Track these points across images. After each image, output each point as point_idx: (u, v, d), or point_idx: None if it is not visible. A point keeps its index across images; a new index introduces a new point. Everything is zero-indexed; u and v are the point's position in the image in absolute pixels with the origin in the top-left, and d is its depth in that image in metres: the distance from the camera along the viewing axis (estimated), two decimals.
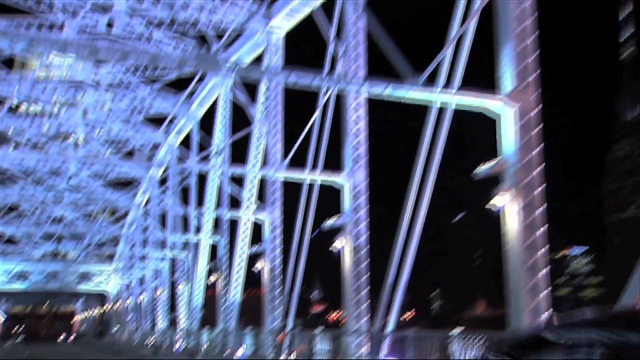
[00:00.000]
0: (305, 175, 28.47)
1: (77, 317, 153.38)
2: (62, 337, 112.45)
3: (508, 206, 15.81)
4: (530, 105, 16.18)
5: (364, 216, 26.32)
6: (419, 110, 17.26)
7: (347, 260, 26.20)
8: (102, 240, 74.75)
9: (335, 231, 26.54)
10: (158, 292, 63.24)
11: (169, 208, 50.72)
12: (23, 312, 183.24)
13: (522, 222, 15.74)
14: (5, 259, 77.24)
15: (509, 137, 16.11)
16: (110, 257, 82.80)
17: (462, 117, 17.40)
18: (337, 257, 26.65)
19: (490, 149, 16.16)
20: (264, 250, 33.96)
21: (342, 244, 26.43)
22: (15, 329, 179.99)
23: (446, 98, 16.91)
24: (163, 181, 52.56)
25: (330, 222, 26.41)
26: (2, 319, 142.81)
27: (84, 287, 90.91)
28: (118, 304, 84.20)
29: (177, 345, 40.33)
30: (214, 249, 44.44)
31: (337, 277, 27.39)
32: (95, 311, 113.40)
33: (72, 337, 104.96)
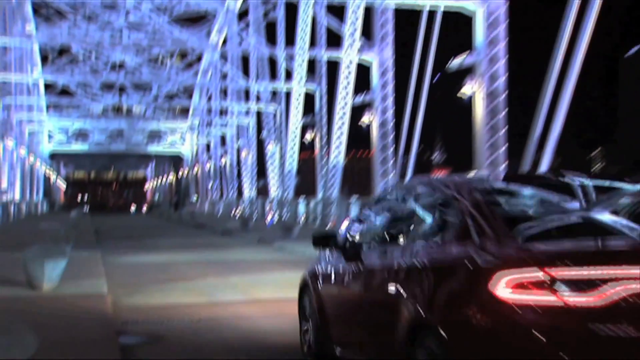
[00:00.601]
0: (423, 1, 27.89)
1: (149, 185, 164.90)
2: (132, 209, 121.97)
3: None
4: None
5: (502, 51, 25.80)
6: None
7: (479, 110, 26.03)
8: (173, 92, 77.67)
9: (464, 73, 26.39)
10: (243, 154, 66.20)
11: (252, 49, 51.78)
12: (86, 179, 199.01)
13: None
14: (60, 114, 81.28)
15: (479, 34, 25.23)
16: (184, 112, 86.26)
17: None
18: (466, 107, 26.51)
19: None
20: (372, 100, 34.28)
21: (473, 90, 26.10)
22: (78, 198, 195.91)
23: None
24: (243, 14, 52.95)
25: (457, 62, 26.42)
26: (63, 186, 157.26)
27: (154, 148, 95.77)
28: (196, 168, 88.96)
29: (268, 218, 42.29)
30: (309, 99, 45.21)
31: (466, 133, 27.42)
32: (170, 177, 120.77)
33: (144, 208, 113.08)
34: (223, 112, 70.45)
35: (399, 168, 32.65)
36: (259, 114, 59.76)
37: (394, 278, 5.29)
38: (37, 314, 9.28)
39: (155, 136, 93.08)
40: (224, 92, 67.50)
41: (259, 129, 60.10)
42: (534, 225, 4.46)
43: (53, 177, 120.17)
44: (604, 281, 3.93)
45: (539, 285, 3.99)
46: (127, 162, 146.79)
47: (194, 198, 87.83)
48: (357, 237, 6.43)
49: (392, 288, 5.26)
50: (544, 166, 22.07)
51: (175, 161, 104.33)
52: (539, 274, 4.00)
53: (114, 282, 13.62)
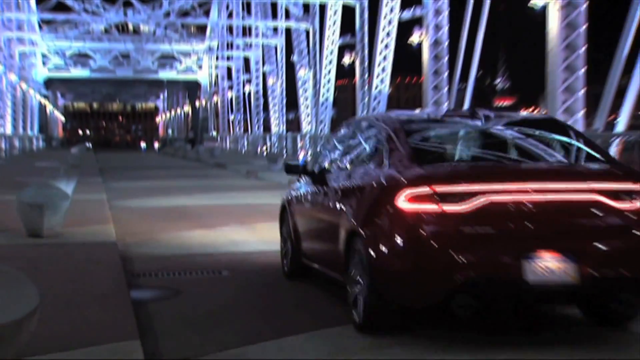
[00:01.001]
0: None
1: (161, 118, 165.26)
2: (142, 145, 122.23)
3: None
4: None
5: None
6: None
7: (554, 24, 25.58)
8: (187, 7, 77.22)
9: None
10: (270, 82, 66.13)
11: None
12: (88, 110, 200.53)
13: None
14: (56, 33, 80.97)
15: None
16: (201, 32, 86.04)
17: None
18: (537, 21, 25.73)
19: None
20: (423, 15, 33.87)
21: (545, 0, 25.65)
22: (79, 133, 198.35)
23: None
24: None
25: None
26: (61, 119, 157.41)
27: (166, 75, 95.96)
28: (215, 98, 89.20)
29: (300, 155, 42.76)
30: (347, 15, 44.89)
31: (534, 57, 27.00)
32: (185, 109, 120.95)
33: (155, 145, 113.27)
34: (246, 32, 70.26)
35: (454, 96, 32.41)
36: (288, 34, 59.43)
37: (339, 197, 7.85)
38: (37, 264, 9.53)
39: (168, 60, 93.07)
40: (247, 7, 67.13)
41: (289, 51, 59.79)
42: (433, 153, 7.28)
43: (50, 108, 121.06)
44: (473, 194, 6.50)
45: (426, 198, 6.55)
46: (135, 91, 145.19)
47: (214, 133, 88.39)
48: (323, 165, 8.96)
49: (338, 205, 7.80)
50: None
51: (191, 90, 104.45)
52: (427, 190, 6.57)
53: (123, 230, 13.87)
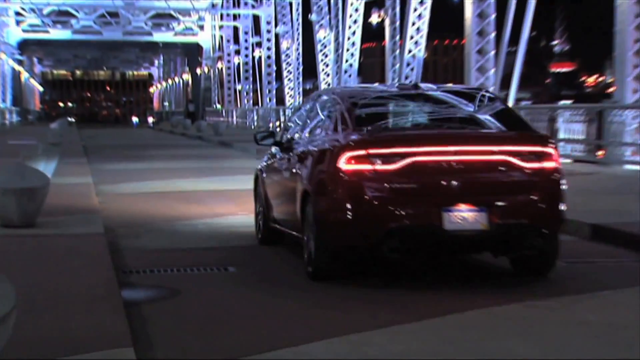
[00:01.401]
0: None
1: (156, 88, 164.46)
2: (134, 120, 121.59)
3: None
4: None
5: None
6: None
7: None
8: None
9: None
10: (284, 45, 65.84)
11: None
12: (70, 79, 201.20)
13: None
14: None
15: None
16: None
17: None
18: None
19: None
20: None
21: None
22: (60, 105, 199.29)
23: None
24: None
25: None
26: (39, 89, 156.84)
27: (162, 37, 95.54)
28: (220, 65, 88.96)
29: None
30: None
31: (599, 13, 26.85)
32: (184, 77, 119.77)
33: (150, 120, 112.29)
34: None
35: (502, 61, 32.29)
36: None
37: (298, 161, 10.32)
38: (11, 258, 9.57)
39: (164, 20, 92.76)
40: None
41: (306, 8, 59.52)
42: (373, 122, 9.66)
43: (25, 76, 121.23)
44: (401, 155, 8.95)
45: (361, 159, 8.98)
46: (126, 56, 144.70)
47: (218, 106, 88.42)
48: (289, 135, 11.50)
49: (296, 170, 10.29)
50: None
51: (191, 55, 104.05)
52: (363, 153, 8.99)
53: (112, 219, 13.96)
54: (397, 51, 40.90)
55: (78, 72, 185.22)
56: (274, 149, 11.84)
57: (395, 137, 9.51)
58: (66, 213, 13.43)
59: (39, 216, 12.26)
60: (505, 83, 33.32)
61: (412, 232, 9.03)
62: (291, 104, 61.28)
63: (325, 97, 11.08)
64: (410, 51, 38.89)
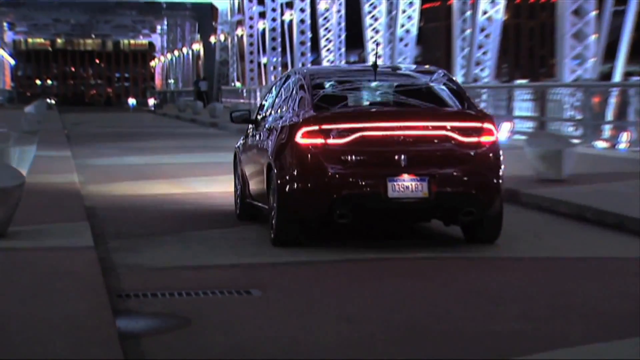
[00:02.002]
0: None
1: (158, 61, 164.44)
2: (131, 102, 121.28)
3: None
4: None
5: None
6: None
7: None
8: None
9: None
10: (322, 6, 65.46)
11: None
12: (49, 48, 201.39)
13: None
14: None
15: None
16: None
17: None
18: None
19: None
20: None
21: None
22: (37, 83, 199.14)
23: None
24: None
25: None
26: (9, 62, 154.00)
27: None
28: (240, 31, 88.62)
29: None
30: None
31: None
32: (195, 47, 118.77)
33: (150, 101, 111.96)
34: None
35: (606, 24, 32.13)
36: None
37: (266, 138, 13.85)
38: None
39: None
40: None
41: None
42: (330, 100, 13.41)
43: None
44: (350, 130, 12.53)
45: (315, 134, 12.49)
46: (120, 21, 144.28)
47: (237, 84, 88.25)
48: (262, 113, 15.20)
49: (263, 145, 13.82)
50: None
51: (204, 19, 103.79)
52: (316, 128, 12.53)
53: (103, 229, 14.03)
54: (468, 12, 40.50)
55: (59, 41, 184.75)
56: (250, 127, 15.52)
57: (346, 114, 13.04)
58: (47, 220, 13.44)
59: (10, 225, 12.22)
60: (610, 53, 33.07)
61: (359, 199, 12.44)
62: None
63: (292, 77, 14.57)
64: (485, 12, 38.59)
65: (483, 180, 12.73)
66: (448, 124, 12.74)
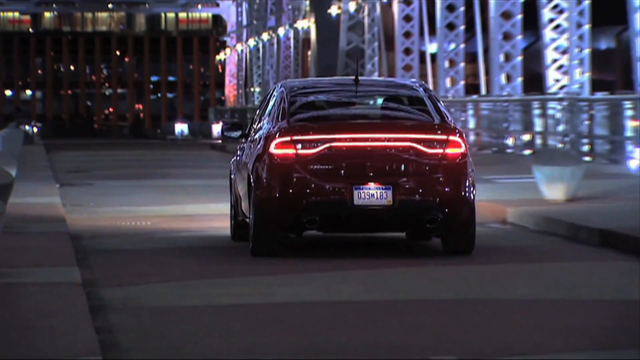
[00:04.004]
0: None
1: (230, 52, 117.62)
2: (178, 128, 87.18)
3: None
4: None
5: None
6: None
7: None
8: None
9: None
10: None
11: None
12: (29, 30, 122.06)
13: None
14: None
15: None
16: None
17: None
18: None
19: None
20: None
21: None
22: (8, 95, 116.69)
23: None
24: None
25: None
26: None
27: None
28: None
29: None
30: None
31: None
32: (299, 25, 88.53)
33: (213, 128, 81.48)
34: None
35: None
36: None
37: (249, 150, 17.07)
38: None
39: None
40: None
41: None
42: (305, 112, 16.73)
43: None
44: (321, 141, 15.83)
45: (287, 144, 15.94)
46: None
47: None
48: (252, 126, 17.95)
49: (247, 158, 16.96)
50: None
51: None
52: (288, 139, 15.97)
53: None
54: None
55: (47, 17, 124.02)
56: (242, 142, 17.99)
57: (316, 126, 15.72)
58: None
59: None
60: None
61: (326, 206, 15.24)
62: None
63: (277, 89, 17.08)
64: None
65: (447, 190, 15.03)
66: (412, 136, 15.16)
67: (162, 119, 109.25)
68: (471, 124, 55.04)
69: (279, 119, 15.78)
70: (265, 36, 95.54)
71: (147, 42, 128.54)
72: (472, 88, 64.33)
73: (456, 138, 15.02)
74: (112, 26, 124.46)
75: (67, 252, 16.51)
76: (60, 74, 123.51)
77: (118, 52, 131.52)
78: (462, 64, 60.01)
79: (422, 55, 64.78)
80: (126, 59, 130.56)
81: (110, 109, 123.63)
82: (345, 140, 15.01)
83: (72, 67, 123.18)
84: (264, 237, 15.24)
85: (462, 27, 59.32)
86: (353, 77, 16.84)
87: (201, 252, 17.07)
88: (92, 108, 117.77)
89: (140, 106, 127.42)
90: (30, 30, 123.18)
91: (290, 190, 14.91)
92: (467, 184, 14.96)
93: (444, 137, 15.00)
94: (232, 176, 18.32)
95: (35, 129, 72.76)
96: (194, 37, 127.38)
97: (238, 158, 17.92)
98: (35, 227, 20.04)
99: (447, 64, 60.26)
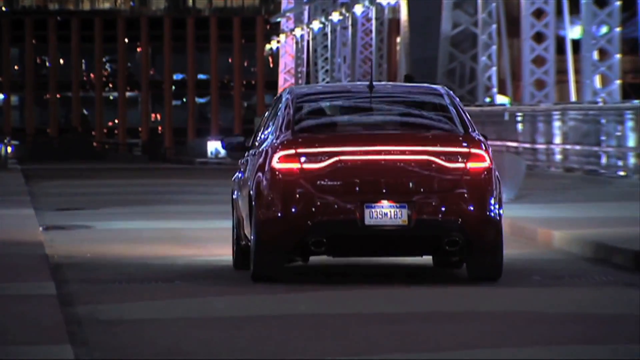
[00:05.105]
0: None
1: (283, 38, 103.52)
2: (213, 147, 72.43)
3: None
4: None
5: None
6: None
7: None
8: None
9: None
10: None
11: None
12: (3, 6, 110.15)
13: None
14: None
15: None
16: None
17: None
18: None
19: None
20: None
21: None
22: None
23: None
24: None
25: None
26: None
27: None
28: None
29: None
30: None
31: None
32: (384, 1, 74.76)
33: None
34: None
35: None
36: None
37: (251, 164, 15.70)
38: None
39: None
40: None
41: None
42: (312, 122, 15.42)
43: None
44: (328, 154, 14.44)
45: (291, 158, 14.57)
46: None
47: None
48: (256, 139, 16.91)
49: (249, 173, 15.62)
50: None
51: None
52: (292, 152, 14.57)
53: None
54: None
55: None
56: (245, 156, 16.83)
57: (323, 138, 14.59)
58: None
59: None
60: None
61: (334, 226, 13.96)
62: None
63: (283, 97, 15.79)
64: None
65: (469, 208, 13.79)
66: (429, 149, 13.99)
67: (189, 135, 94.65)
68: (631, 141, 40.79)
69: (283, 130, 14.76)
70: (335, 16, 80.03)
71: (168, 25, 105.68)
72: (632, 89, 55.14)
73: (480, 151, 13.98)
74: (118, 3, 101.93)
75: (56, 323, 13.12)
76: (45, 71, 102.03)
77: (127, 40, 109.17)
78: (617, 56, 50.19)
79: (560, 42, 54.34)
80: (138, 50, 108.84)
81: (116, 120, 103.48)
82: (355, 153, 14.13)
83: (61, 61, 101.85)
84: (265, 261, 14.29)
85: (618, 3, 49.83)
86: (368, 84, 15.47)
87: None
88: (89, 119, 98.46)
89: (158, 116, 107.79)
90: (4, 8, 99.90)
91: (295, 209, 13.97)
92: (492, 202, 13.86)
93: (466, 149, 14.01)
94: (233, 196, 17.22)
95: (9, 149, 62.47)
96: (234, 17, 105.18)
97: (240, 175, 16.87)
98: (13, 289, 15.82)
99: (595, 55, 50.83)
